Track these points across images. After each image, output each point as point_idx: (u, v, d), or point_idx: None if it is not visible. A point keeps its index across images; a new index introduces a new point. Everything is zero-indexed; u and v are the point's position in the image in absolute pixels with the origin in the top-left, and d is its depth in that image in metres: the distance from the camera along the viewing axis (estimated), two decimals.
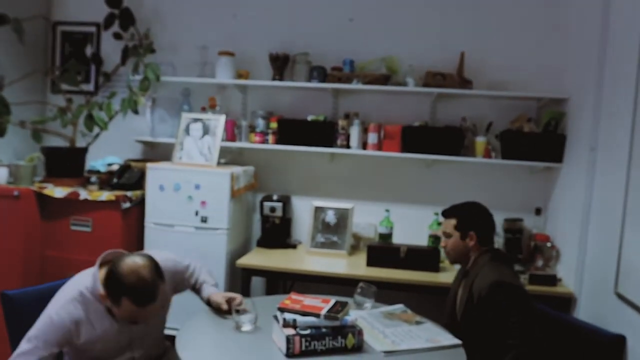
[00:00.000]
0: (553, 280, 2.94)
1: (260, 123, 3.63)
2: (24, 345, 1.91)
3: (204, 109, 3.71)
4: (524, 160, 3.26)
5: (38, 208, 3.29)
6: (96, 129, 3.48)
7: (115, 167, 3.53)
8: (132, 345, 2.12)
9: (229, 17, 3.77)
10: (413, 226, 3.57)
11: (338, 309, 1.99)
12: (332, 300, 2.08)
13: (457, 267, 3.12)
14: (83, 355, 2.04)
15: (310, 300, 2.06)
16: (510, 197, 3.51)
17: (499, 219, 3.26)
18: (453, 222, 2.45)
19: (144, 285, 1.88)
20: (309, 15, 3.67)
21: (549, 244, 3.16)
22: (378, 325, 2.18)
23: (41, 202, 3.30)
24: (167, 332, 2.35)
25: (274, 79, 3.61)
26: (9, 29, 3.28)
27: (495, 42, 3.46)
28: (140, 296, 1.88)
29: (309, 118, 3.56)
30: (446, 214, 2.52)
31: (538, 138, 3.24)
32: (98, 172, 3.53)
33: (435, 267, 3.12)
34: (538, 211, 3.41)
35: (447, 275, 3.07)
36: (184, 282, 2.36)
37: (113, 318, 2.02)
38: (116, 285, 1.89)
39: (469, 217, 2.46)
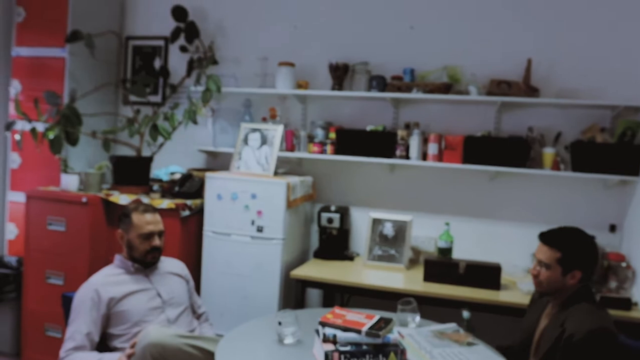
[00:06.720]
0: (628, 304, 2.71)
1: (319, 133, 3.61)
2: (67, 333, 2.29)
3: (264, 119, 3.75)
4: (596, 173, 3.05)
5: (104, 214, 3.44)
6: (160, 139, 3.59)
7: (177, 176, 3.63)
8: (163, 306, 2.43)
9: (290, 29, 3.79)
10: (474, 241, 3.43)
11: (381, 325, 1.92)
12: (377, 316, 2.01)
13: (525, 287, 2.95)
14: (121, 318, 2.33)
15: (353, 315, 2.01)
16: (581, 212, 3.28)
17: None
18: (556, 254, 2.09)
19: (143, 202, 2.61)
20: (369, 24, 3.63)
21: (623, 264, 2.92)
22: (426, 345, 2.08)
23: (107, 208, 3.44)
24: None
25: (333, 88, 3.59)
26: (83, 45, 3.48)
27: (565, 47, 3.26)
28: (142, 205, 2.50)
29: (368, 128, 3.50)
30: (548, 241, 2.13)
31: (612, 149, 3.02)
32: (160, 180, 3.65)
33: (496, 285, 2.96)
34: (612, 228, 3.18)
35: (509, 293, 2.90)
36: (190, 289, 2.68)
37: (133, 274, 2.44)
38: (124, 213, 2.48)
39: (578, 253, 2.10)
